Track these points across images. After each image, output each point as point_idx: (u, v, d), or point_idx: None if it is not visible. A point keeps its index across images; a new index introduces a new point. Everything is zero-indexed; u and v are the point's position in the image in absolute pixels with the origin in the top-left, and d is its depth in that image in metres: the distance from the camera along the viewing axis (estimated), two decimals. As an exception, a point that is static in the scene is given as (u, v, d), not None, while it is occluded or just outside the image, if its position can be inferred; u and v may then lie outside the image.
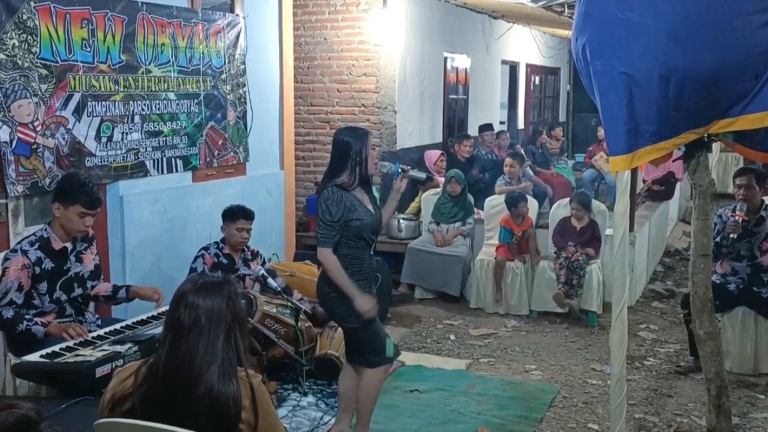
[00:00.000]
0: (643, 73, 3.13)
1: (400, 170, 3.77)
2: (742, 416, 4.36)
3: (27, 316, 3.52)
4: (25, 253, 3.57)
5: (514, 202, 6.48)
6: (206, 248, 4.80)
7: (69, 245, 3.73)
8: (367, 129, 3.80)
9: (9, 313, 3.47)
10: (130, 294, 3.97)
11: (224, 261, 4.77)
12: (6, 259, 3.58)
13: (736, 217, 4.79)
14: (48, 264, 3.63)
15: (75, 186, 3.65)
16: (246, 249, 4.89)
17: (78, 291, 3.77)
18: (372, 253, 3.72)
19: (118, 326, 3.68)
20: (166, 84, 5.12)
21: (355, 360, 3.82)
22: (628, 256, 3.56)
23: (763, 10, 3.06)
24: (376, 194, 4.04)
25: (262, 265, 4.93)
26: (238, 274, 4.79)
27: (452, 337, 5.82)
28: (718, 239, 4.82)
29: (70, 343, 3.37)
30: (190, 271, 4.68)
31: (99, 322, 3.88)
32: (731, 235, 4.82)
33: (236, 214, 4.78)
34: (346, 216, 3.55)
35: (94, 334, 3.54)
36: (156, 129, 5.07)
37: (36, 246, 3.61)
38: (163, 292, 3.89)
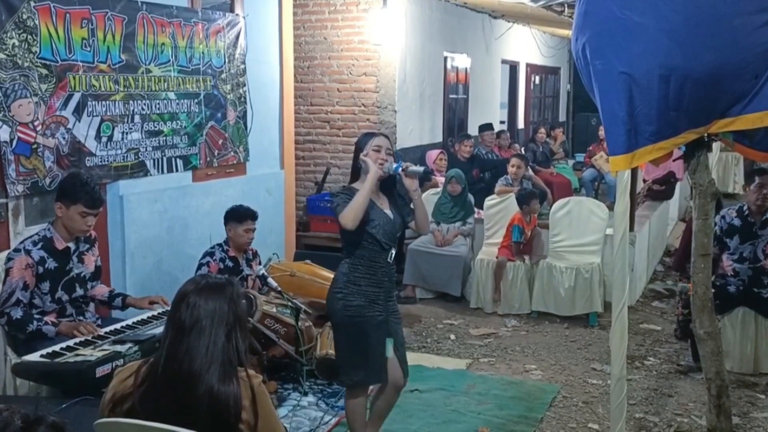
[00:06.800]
0: (643, 73, 3.13)
1: (401, 169, 3.60)
2: (743, 416, 4.36)
3: (36, 316, 3.52)
4: (28, 252, 3.57)
5: (526, 199, 6.41)
6: (211, 254, 4.75)
7: (72, 245, 3.73)
8: (377, 131, 3.66)
9: (18, 314, 3.47)
10: (125, 304, 3.98)
11: (230, 264, 4.75)
12: (9, 258, 3.59)
13: None
14: (51, 264, 3.63)
15: (76, 185, 3.65)
16: (247, 249, 4.89)
17: (79, 291, 3.78)
18: (390, 260, 3.58)
19: (118, 326, 3.69)
20: (166, 84, 5.12)
21: None
22: (628, 256, 3.56)
23: (763, 9, 3.05)
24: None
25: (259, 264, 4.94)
26: (243, 275, 4.78)
27: (452, 336, 5.82)
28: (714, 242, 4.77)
29: (71, 343, 3.37)
30: None
31: (99, 322, 3.87)
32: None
33: (244, 216, 4.76)
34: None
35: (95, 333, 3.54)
36: (156, 129, 5.07)
37: (39, 245, 3.61)
38: (165, 296, 3.89)
